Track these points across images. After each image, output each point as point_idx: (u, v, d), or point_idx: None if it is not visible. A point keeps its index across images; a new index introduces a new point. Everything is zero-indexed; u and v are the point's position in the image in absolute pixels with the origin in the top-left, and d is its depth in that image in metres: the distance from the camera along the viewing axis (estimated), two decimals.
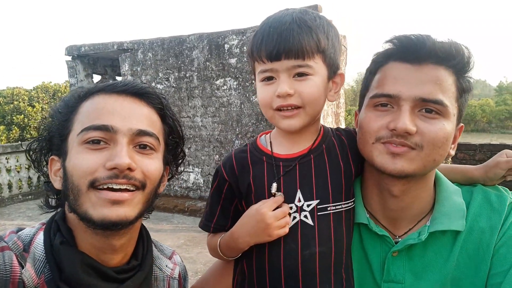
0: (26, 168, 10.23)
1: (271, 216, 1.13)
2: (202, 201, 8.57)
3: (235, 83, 7.95)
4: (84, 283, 0.95)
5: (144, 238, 1.17)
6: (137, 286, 1.06)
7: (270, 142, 1.28)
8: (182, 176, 8.83)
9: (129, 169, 0.96)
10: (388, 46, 1.17)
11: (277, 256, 1.19)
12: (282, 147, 1.26)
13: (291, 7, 1.25)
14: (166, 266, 1.26)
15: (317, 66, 1.14)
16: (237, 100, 7.98)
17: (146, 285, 1.11)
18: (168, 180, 1.21)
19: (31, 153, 1.11)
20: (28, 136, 14.54)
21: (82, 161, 0.96)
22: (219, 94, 8.15)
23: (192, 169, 8.69)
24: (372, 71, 1.20)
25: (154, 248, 1.24)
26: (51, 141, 1.06)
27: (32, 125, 14.76)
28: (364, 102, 1.21)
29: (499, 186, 1.24)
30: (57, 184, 1.05)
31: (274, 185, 1.18)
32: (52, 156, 1.07)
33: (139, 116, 1.03)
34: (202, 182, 8.65)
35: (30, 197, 10.18)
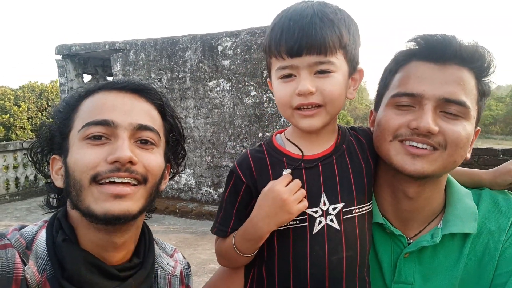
0: (13, 168, 10.07)
1: (286, 190, 1.08)
2: (194, 202, 8.55)
3: (228, 84, 7.96)
4: (86, 281, 0.96)
5: (146, 236, 1.16)
6: (138, 284, 1.06)
7: (292, 142, 1.22)
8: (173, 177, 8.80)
9: (131, 162, 0.95)
10: (410, 45, 1.15)
11: (304, 264, 1.14)
12: (302, 148, 1.20)
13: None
14: (168, 264, 1.25)
15: (339, 62, 1.08)
16: (230, 101, 7.99)
17: (147, 283, 1.11)
18: (170, 179, 1.21)
19: (32, 154, 1.10)
20: (14, 136, 14.28)
21: (84, 155, 0.96)
22: (212, 95, 8.15)
23: (184, 170, 8.66)
24: (392, 70, 1.18)
25: (155, 246, 1.23)
26: (52, 141, 1.07)
27: (17, 125, 14.51)
28: (383, 100, 1.18)
29: (506, 190, 1.26)
30: (59, 182, 1.05)
31: (288, 170, 1.14)
32: (53, 156, 1.07)
33: (140, 111, 1.03)
34: (194, 184, 8.62)
35: (17, 197, 10.02)
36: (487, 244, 1.17)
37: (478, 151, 7.72)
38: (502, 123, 40.75)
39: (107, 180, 0.94)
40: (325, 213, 1.14)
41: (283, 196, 1.07)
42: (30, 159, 1.11)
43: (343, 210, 1.14)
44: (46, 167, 1.11)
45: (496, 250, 1.15)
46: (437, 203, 1.22)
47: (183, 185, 8.75)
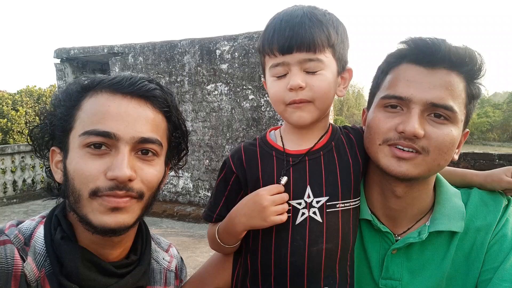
0: (11, 171, 10.05)
1: (268, 199, 1.13)
2: (192, 206, 8.53)
3: (226, 88, 8.00)
4: (85, 278, 0.97)
5: (143, 233, 1.18)
6: (136, 280, 1.08)
7: (281, 137, 1.28)
8: (171, 181, 8.79)
9: (129, 179, 0.96)
10: (402, 47, 1.17)
11: (284, 252, 1.19)
12: (291, 143, 1.26)
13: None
14: (163, 259, 1.27)
15: (328, 60, 1.14)
16: (228, 105, 8.02)
17: (145, 279, 1.13)
18: (170, 170, 1.21)
19: (33, 138, 1.10)
20: (11, 140, 14.24)
21: (84, 166, 0.95)
22: (210, 99, 8.18)
23: (182, 173, 8.65)
24: (384, 71, 1.20)
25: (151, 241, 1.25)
26: (53, 132, 1.06)
27: (15, 129, 14.47)
28: (374, 101, 1.21)
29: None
30: (58, 177, 1.05)
31: (285, 178, 1.18)
32: (53, 147, 1.06)
33: (144, 122, 1.01)
34: (192, 187, 8.62)
35: (15, 200, 9.99)
36: (474, 241, 1.19)
37: (475, 156, 7.77)
38: (499, 129, 40.82)
39: (105, 193, 0.95)
40: (309, 206, 1.19)
41: (264, 203, 1.13)
42: (31, 143, 1.10)
43: (327, 203, 1.19)
44: (47, 153, 1.10)
45: (483, 247, 1.18)
46: (425, 202, 1.24)
47: (181, 188, 8.75)
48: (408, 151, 1.09)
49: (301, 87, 1.12)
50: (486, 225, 1.19)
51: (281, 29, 1.13)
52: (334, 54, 1.17)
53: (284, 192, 1.17)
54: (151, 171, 1.02)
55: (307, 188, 1.19)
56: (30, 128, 1.11)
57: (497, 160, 7.42)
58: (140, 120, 1.00)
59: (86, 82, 1.04)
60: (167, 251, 1.31)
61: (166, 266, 1.26)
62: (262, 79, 1.32)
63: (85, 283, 0.97)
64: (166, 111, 1.08)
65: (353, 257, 1.28)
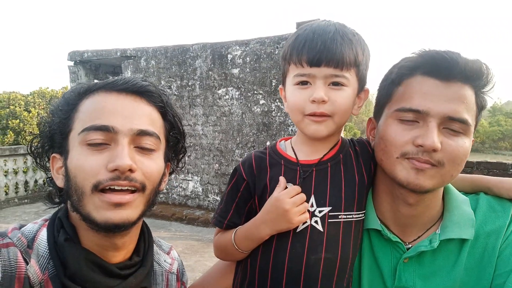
0: (23, 171, 10.16)
1: (289, 202, 1.15)
2: (201, 209, 8.55)
3: (237, 93, 8.02)
4: (89, 280, 0.97)
5: (145, 235, 1.18)
6: (139, 282, 1.08)
7: (292, 147, 1.31)
8: (181, 184, 8.81)
9: (130, 170, 0.96)
10: (414, 58, 1.17)
11: (282, 258, 1.20)
12: (301, 153, 1.28)
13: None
14: (165, 261, 1.27)
15: (352, 78, 1.17)
16: (239, 109, 8.03)
17: (147, 281, 1.13)
18: (170, 174, 1.22)
19: (32, 148, 1.10)
20: (23, 141, 14.43)
21: (85, 162, 0.96)
22: (221, 103, 8.21)
23: (191, 177, 8.68)
24: (395, 82, 1.19)
25: None
26: (53, 138, 1.06)
27: (27, 130, 14.67)
28: (385, 111, 1.21)
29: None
30: (60, 182, 1.04)
31: (290, 185, 1.21)
32: (53, 154, 1.06)
33: (140, 115, 1.02)
34: (201, 191, 8.63)
35: (26, 201, 10.09)
36: (485, 246, 1.19)
37: (488, 165, 7.67)
38: (511, 138, 40.34)
39: (107, 187, 0.95)
40: (311, 214, 1.21)
41: (286, 206, 1.15)
42: (30, 153, 1.11)
43: (329, 214, 1.21)
44: (47, 162, 1.10)
45: (494, 251, 1.18)
46: (435, 210, 1.25)
47: (190, 192, 8.76)
48: (425, 163, 1.10)
49: (323, 101, 1.14)
50: (496, 230, 1.19)
51: (313, 42, 1.14)
52: (358, 73, 1.19)
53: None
54: (151, 163, 1.03)
55: (312, 197, 1.22)
56: (29, 140, 1.12)
57: (510, 170, 7.32)
58: (136, 113, 1.02)
59: (82, 88, 1.06)
60: (168, 253, 1.32)
61: (167, 269, 1.26)
62: (280, 86, 1.32)
63: (89, 285, 0.97)
64: (161, 107, 1.09)
65: (352, 272, 1.29)
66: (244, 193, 1.30)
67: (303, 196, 1.18)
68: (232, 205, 1.32)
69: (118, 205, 0.96)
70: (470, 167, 7.84)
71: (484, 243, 1.20)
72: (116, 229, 0.97)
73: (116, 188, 0.96)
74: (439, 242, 1.19)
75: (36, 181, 10.52)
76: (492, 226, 1.20)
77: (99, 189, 0.95)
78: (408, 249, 1.23)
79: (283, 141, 1.38)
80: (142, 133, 1.01)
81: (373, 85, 1.33)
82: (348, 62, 1.14)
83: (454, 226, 1.20)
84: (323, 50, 1.13)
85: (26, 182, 10.27)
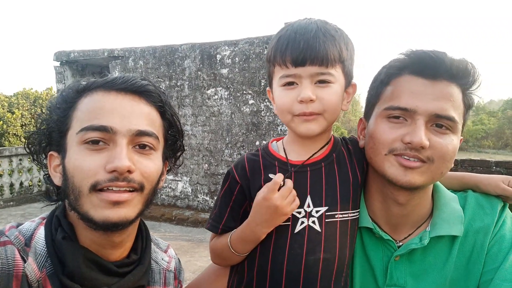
0: (8, 174, 9.98)
1: (277, 197, 1.14)
2: (190, 210, 8.52)
3: (226, 93, 8.02)
4: (87, 278, 0.97)
5: (143, 233, 1.18)
6: (137, 279, 1.08)
7: (284, 148, 1.30)
8: (170, 185, 8.77)
9: (129, 171, 0.96)
10: (402, 58, 1.19)
11: (281, 260, 1.20)
12: (294, 153, 1.27)
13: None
14: (162, 259, 1.27)
15: (338, 74, 1.17)
16: (228, 109, 8.04)
17: (145, 279, 1.13)
18: (167, 172, 1.22)
19: (30, 145, 1.09)
20: (7, 143, 14.15)
21: (83, 162, 0.96)
22: (210, 103, 8.20)
23: (181, 177, 8.65)
24: (384, 81, 1.21)
25: None
26: (50, 136, 1.05)
27: (11, 132, 14.39)
28: (375, 111, 1.23)
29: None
30: (57, 180, 1.04)
31: (289, 181, 1.19)
32: (51, 152, 1.06)
33: (139, 115, 1.02)
34: (190, 191, 8.61)
35: (12, 203, 9.92)
36: (474, 243, 1.22)
37: (472, 163, 7.82)
38: (494, 137, 41.03)
39: (105, 188, 0.95)
40: (308, 215, 1.21)
41: (276, 203, 1.14)
42: (28, 150, 1.10)
43: (326, 213, 1.21)
44: (45, 159, 1.09)
45: (483, 248, 1.21)
46: (425, 208, 1.27)
47: (180, 192, 8.73)
48: (414, 160, 1.12)
49: (311, 100, 1.14)
50: (484, 227, 1.22)
51: (295, 42, 1.14)
52: (343, 69, 1.19)
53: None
54: (150, 164, 1.03)
55: (308, 198, 1.21)
56: (27, 135, 1.11)
57: (494, 167, 7.47)
58: (135, 113, 1.01)
59: (81, 86, 1.05)
60: (165, 251, 1.32)
61: (165, 267, 1.26)
62: (267, 88, 1.32)
63: (87, 283, 0.97)
64: (160, 106, 1.09)
65: (349, 270, 1.30)
66: (239, 196, 1.29)
67: (289, 185, 1.16)
68: (227, 209, 1.30)
69: (117, 204, 0.96)
70: (455, 165, 7.93)
71: (473, 240, 1.22)
72: (114, 227, 0.97)
73: (115, 189, 0.96)
74: (429, 239, 1.21)
75: (21, 184, 10.34)
76: (480, 223, 1.23)
77: (97, 189, 0.95)
78: (399, 247, 1.25)
79: (275, 141, 1.37)
80: (141, 134, 1.00)
81: (364, 87, 1.35)
82: (332, 59, 1.13)
83: (444, 223, 1.22)
84: (307, 49, 1.12)
85: (11, 185, 10.10)
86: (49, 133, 1.05)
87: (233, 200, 1.30)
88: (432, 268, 1.23)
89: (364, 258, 1.31)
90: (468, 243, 1.23)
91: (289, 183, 1.17)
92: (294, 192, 1.17)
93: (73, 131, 0.99)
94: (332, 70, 1.15)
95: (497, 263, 1.18)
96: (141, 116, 1.03)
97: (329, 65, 1.13)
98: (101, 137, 0.96)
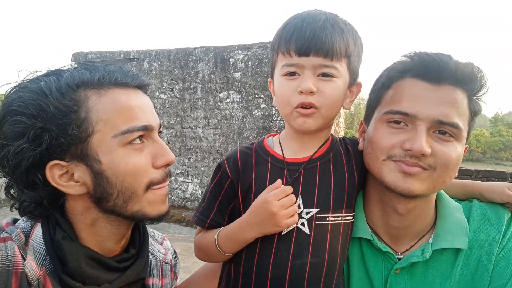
0: None
1: (277, 204, 1.09)
2: None
3: (239, 96, 8.06)
4: (88, 276, 0.98)
5: (139, 226, 1.18)
6: (137, 273, 1.09)
7: (280, 143, 1.25)
8: (180, 186, 8.83)
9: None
10: (404, 60, 1.14)
11: (266, 263, 1.14)
12: (289, 150, 1.22)
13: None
14: (159, 251, 1.28)
15: (342, 69, 1.12)
16: (240, 113, 8.07)
17: (145, 272, 1.14)
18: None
19: (6, 163, 0.94)
20: None
21: (136, 162, 0.99)
22: (222, 106, 8.25)
23: (191, 179, 8.70)
24: (385, 84, 1.16)
25: None
26: (51, 145, 0.93)
27: None
28: (375, 115, 1.18)
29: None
30: (73, 190, 0.98)
31: (280, 182, 1.15)
32: (55, 162, 0.96)
33: (150, 109, 1.08)
34: (200, 193, 8.64)
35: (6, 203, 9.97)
36: (479, 258, 1.15)
37: (487, 173, 7.70)
38: None
39: (162, 185, 1.05)
40: (298, 216, 1.14)
41: (273, 209, 1.09)
42: (5, 164, 0.95)
43: (317, 215, 1.15)
44: (29, 175, 0.96)
45: (489, 263, 1.14)
46: (428, 219, 1.21)
47: (190, 194, 8.78)
48: (414, 167, 1.07)
49: (311, 92, 1.09)
50: (490, 240, 1.15)
51: (302, 30, 1.09)
52: (349, 65, 1.14)
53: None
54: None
55: (298, 198, 1.15)
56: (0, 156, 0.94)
57: (509, 178, 7.33)
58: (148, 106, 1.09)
59: (84, 83, 1.01)
60: (161, 243, 1.33)
61: (161, 259, 1.27)
62: (269, 79, 1.27)
63: (89, 281, 0.98)
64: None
65: (341, 277, 1.24)
66: (228, 191, 1.24)
67: (292, 198, 1.12)
68: (215, 203, 1.26)
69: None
70: (469, 175, 7.85)
71: (479, 254, 1.15)
72: (163, 217, 1.08)
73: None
74: (432, 252, 1.14)
75: None
76: (486, 236, 1.16)
77: (151, 187, 1.02)
78: (399, 259, 1.19)
79: (271, 136, 1.31)
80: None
81: (366, 90, 1.29)
82: (338, 52, 1.09)
83: (447, 234, 1.16)
84: (312, 38, 1.07)
85: None
86: (49, 141, 0.93)
87: (222, 195, 1.25)
88: (435, 282, 1.16)
89: (363, 268, 1.25)
90: (473, 257, 1.15)
91: (292, 197, 1.12)
92: (295, 207, 1.12)
93: (103, 135, 0.96)
94: (337, 64, 1.10)
95: (505, 279, 1.10)
96: (152, 110, 1.10)
97: (334, 58, 1.09)
98: (143, 133, 1.03)
